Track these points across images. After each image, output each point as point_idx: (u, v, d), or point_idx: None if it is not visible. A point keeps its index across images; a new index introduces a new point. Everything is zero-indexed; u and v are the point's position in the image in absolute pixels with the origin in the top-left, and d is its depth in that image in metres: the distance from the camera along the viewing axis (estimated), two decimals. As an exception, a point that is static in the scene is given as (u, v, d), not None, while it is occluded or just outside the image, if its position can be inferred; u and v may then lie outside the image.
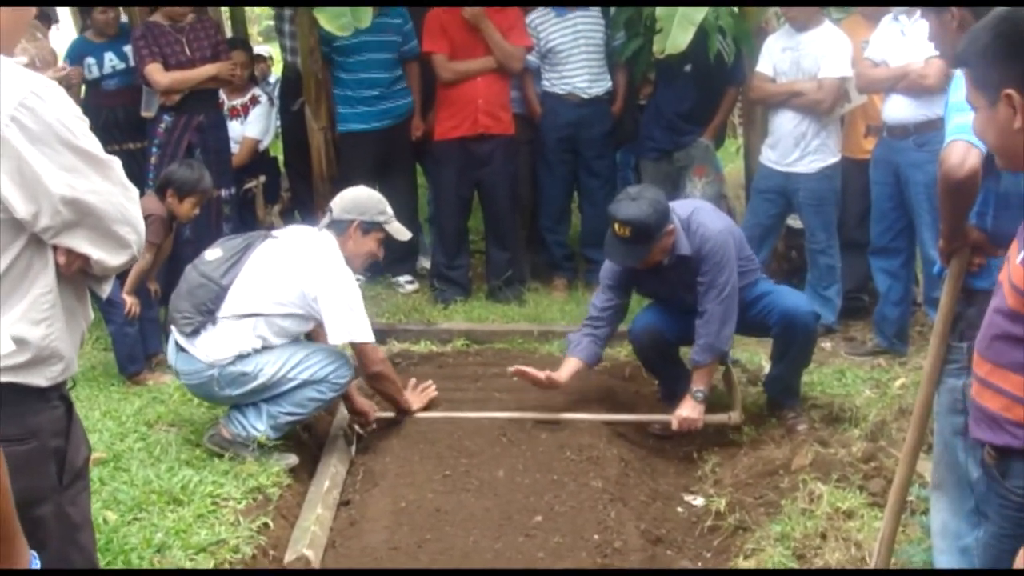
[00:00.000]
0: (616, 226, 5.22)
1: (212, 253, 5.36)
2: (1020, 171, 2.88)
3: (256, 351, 5.16)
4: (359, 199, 5.54)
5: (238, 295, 5.18)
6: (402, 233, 5.67)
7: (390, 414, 5.73)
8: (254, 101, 8.68)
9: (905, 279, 6.62)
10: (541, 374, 5.61)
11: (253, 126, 8.68)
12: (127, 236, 2.58)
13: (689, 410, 5.45)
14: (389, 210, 5.59)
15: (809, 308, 5.62)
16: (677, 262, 5.38)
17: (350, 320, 5.20)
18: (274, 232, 5.58)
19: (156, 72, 7.21)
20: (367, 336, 5.28)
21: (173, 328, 5.28)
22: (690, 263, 5.36)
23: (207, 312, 5.17)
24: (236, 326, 5.15)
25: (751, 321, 5.57)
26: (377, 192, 5.69)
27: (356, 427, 5.64)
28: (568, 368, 5.65)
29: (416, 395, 5.80)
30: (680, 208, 5.45)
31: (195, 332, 5.18)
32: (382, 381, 5.51)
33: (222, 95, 8.17)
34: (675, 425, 5.49)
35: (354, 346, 5.30)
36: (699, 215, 5.42)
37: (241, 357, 5.14)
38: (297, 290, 5.18)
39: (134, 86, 7.50)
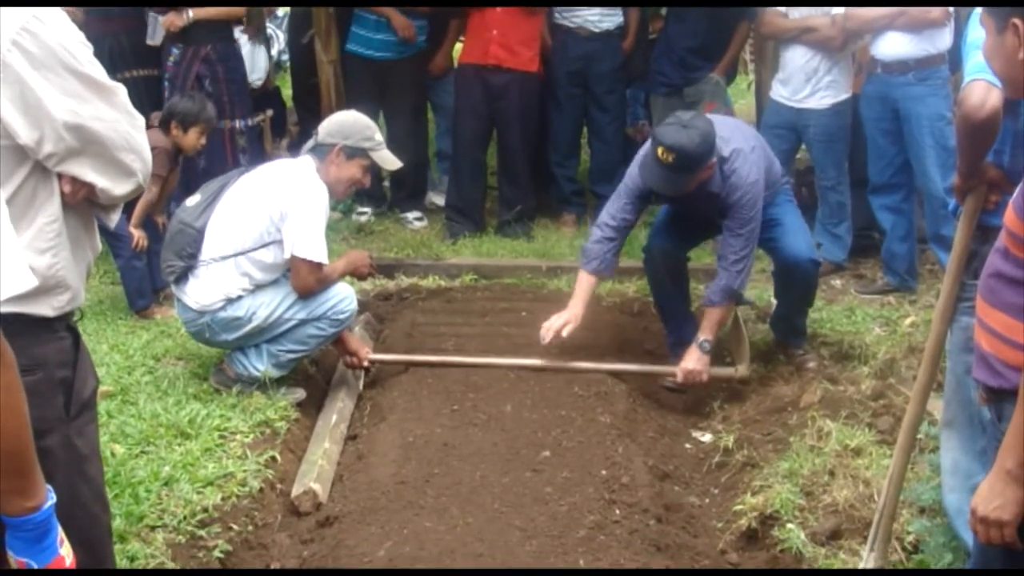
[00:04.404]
0: (660, 150, 5.02)
1: (192, 199, 5.30)
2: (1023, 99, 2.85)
3: (248, 292, 5.12)
4: (345, 123, 5.34)
5: (214, 237, 5.13)
6: (390, 162, 5.47)
7: (386, 356, 5.72)
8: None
9: (909, 212, 6.60)
10: (559, 325, 5.42)
11: None
12: (132, 164, 2.54)
13: (694, 362, 5.33)
14: (378, 136, 5.38)
15: (808, 256, 5.45)
16: (704, 194, 5.24)
17: (300, 233, 5.01)
18: (251, 168, 5.45)
19: None
20: (309, 253, 5.03)
21: None
22: (715, 200, 5.25)
23: (188, 257, 5.12)
24: (219, 269, 5.11)
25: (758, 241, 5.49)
26: (367, 118, 5.45)
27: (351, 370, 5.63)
28: (584, 293, 5.48)
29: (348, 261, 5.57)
30: (723, 146, 5.21)
31: (182, 279, 5.16)
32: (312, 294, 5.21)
33: None
34: (680, 377, 5.39)
35: (292, 259, 5.07)
36: (737, 161, 5.21)
37: (231, 301, 5.10)
38: (266, 216, 5.07)
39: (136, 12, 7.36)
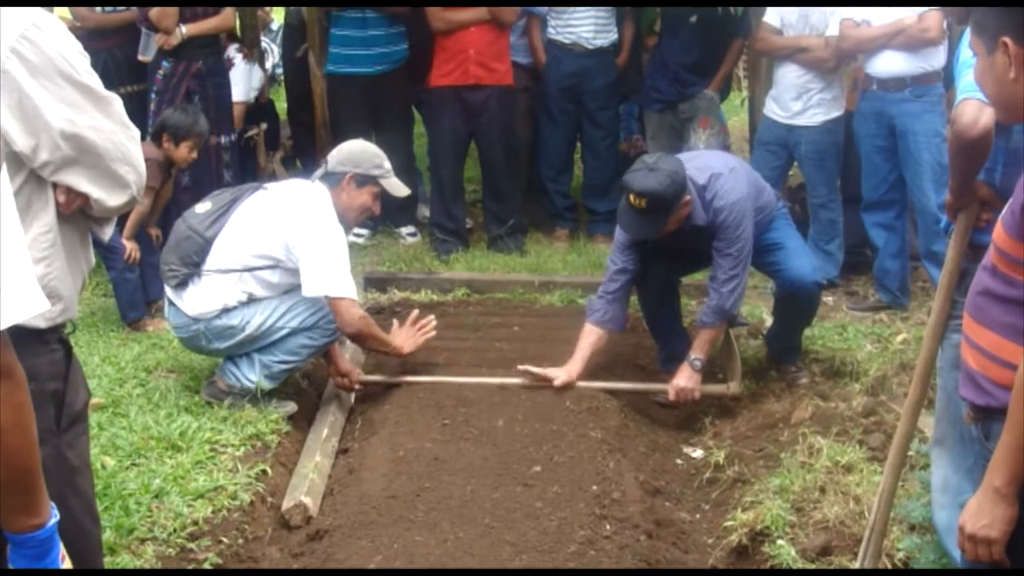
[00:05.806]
0: (631, 197, 5.06)
1: (202, 206, 5.30)
2: (1016, 122, 2.85)
3: (242, 304, 5.12)
4: (354, 151, 5.43)
5: (222, 249, 5.13)
6: (399, 189, 5.53)
7: (377, 378, 5.68)
8: (229, 64, 8.21)
9: (901, 230, 6.61)
10: (552, 375, 5.34)
11: (234, 89, 8.40)
12: (127, 175, 2.54)
13: (686, 379, 5.33)
14: (387, 164, 5.45)
15: (812, 278, 5.45)
16: (691, 229, 5.26)
17: (326, 272, 5.02)
18: (265, 184, 5.48)
19: None
20: (343, 291, 5.07)
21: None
22: (705, 231, 5.26)
23: (192, 265, 5.13)
24: (221, 280, 5.11)
25: (758, 266, 5.55)
26: (375, 146, 5.56)
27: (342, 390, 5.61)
28: (584, 349, 5.39)
29: (408, 333, 5.57)
30: (698, 175, 5.25)
31: (182, 285, 5.16)
32: (363, 340, 5.37)
33: None
34: (671, 395, 5.38)
35: (329, 301, 5.10)
36: (716, 184, 5.22)
37: (227, 310, 5.10)
38: (280, 241, 5.08)
39: (131, 25, 7.35)
